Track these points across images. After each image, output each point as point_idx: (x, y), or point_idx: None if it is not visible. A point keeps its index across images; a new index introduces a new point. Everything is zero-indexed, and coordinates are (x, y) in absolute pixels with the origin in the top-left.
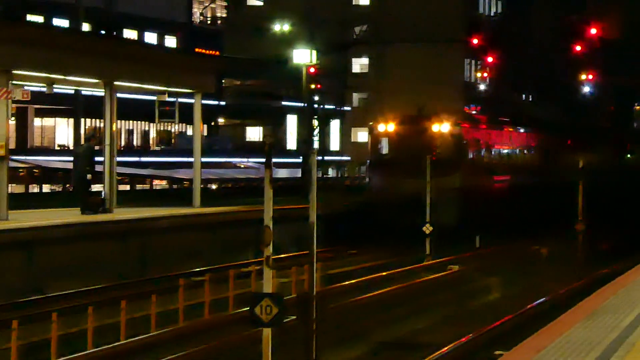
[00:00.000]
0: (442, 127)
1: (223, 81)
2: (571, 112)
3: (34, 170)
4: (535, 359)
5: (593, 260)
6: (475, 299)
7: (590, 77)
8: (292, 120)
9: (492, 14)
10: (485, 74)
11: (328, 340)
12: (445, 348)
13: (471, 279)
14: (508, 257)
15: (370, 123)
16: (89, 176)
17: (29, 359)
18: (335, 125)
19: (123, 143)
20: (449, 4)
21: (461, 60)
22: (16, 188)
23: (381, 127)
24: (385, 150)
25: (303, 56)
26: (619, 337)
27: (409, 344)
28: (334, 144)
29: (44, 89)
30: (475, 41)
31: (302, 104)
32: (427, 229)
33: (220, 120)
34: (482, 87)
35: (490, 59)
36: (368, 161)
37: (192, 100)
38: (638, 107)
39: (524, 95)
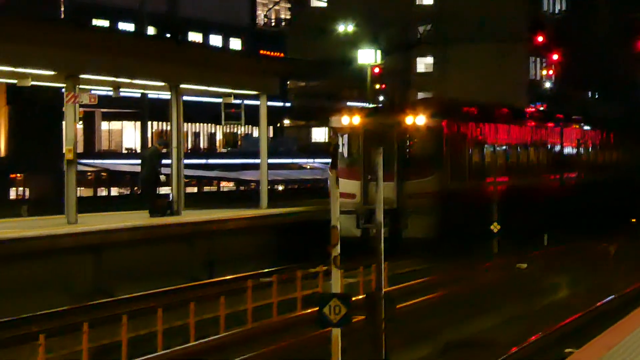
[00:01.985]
0: (417, 120)
1: (288, 83)
2: (637, 110)
3: (102, 173)
4: (606, 357)
5: None
6: (544, 297)
7: None
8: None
9: (556, 12)
10: (550, 72)
11: (396, 340)
12: (515, 347)
13: (539, 278)
14: (576, 255)
15: (331, 116)
16: (159, 178)
17: None
18: None
19: (190, 145)
20: (513, 2)
21: (526, 59)
22: (84, 192)
23: (345, 120)
24: (348, 148)
25: (367, 56)
26: None
27: (477, 343)
28: None
29: (111, 93)
30: (539, 39)
31: (367, 104)
32: (495, 227)
33: (286, 122)
34: (547, 84)
35: (555, 57)
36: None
37: (257, 102)
38: None
39: (589, 93)
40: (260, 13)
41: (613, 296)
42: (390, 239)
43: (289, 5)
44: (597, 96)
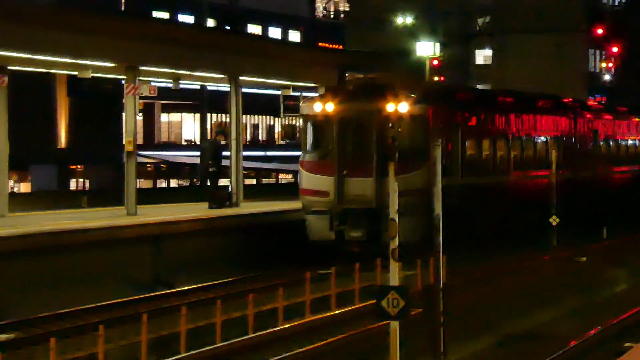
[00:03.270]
0: (399, 107)
1: (346, 75)
2: None
3: (162, 165)
4: None
5: None
6: (604, 290)
7: None
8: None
9: (616, 3)
10: (610, 64)
11: (454, 333)
12: (574, 340)
13: (599, 271)
14: (635, 249)
15: (302, 103)
16: (218, 170)
17: (159, 352)
18: None
19: (249, 137)
20: None
21: (585, 50)
22: (144, 183)
23: (317, 107)
24: (321, 138)
25: (426, 48)
26: None
27: (536, 335)
28: None
29: (170, 85)
30: (599, 31)
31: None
32: (554, 220)
33: None
34: (606, 77)
35: (614, 49)
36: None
37: (316, 94)
38: None
39: None
40: (319, 5)
41: None
42: (367, 243)
43: None
44: None
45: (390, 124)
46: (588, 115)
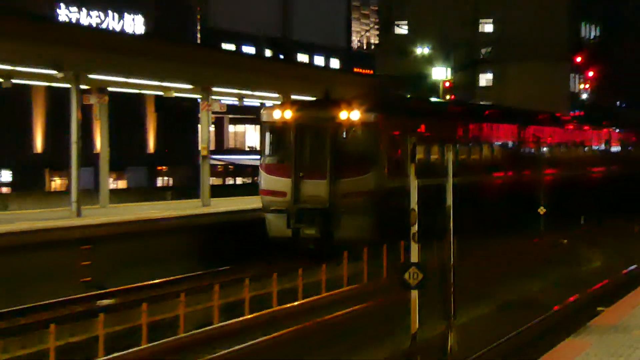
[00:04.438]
0: (351, 115)
1: None
2: None
3: (229, 166)
4: (630, 314)
5: None
6: (581, 266)
7: None
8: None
9: (591, 37)
10: (587, 86)
11: (462, 301)
12: (558, 305)
13: (578, 251)
14: (608, 234)
15: (262, 110)
16: None
17: (228, 316)
18: None
19: None
20: (557, 30)
21: (567, 75)
22: (215, 180)
23: (276, 114)
24: (280, 143)
25: (440, 73)
26: None
27: (527, 302)
28: None
29: (236, 102)
30: (578, 59)
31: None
32: (542, 210)
33: None
34: (584, 96)
35: (590, 74)
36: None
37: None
38: None
39: (617, 102)
40: (355, 38)
41: (635, 265)
42: (321, 240)
43: (377, 32)
44: (624, 105)
45: (345, 131)
46: (534, 124)
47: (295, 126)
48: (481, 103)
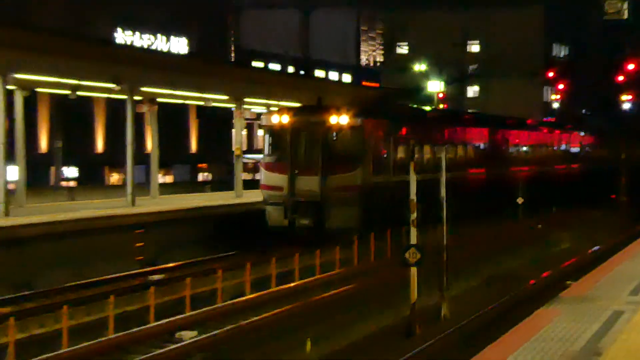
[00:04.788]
0: (340, 120)
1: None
2: (616, 122)
3: (257, 163)
4: (595, 287)
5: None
6: (554, 247)
7: (630, 97)
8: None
9: (561, 56)
10: (558, 96)
11: (454, 277)
12: (533, 280)
13: (550, 234)
14: (575, 220)
15: (262, 114)
16: None
17: (261, 288)
18: None
19: None
20: (533, 50)
21: (541, 87)
22: (246, 176)
23: (275, 119)
24: (277, 144)
25: (435, 86)
26: None
27: (508, 277)
28: None
29: (264, 110)
30: (550, 74)
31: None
32: (520, 200)
33: None
34: (555, 105)
35: (560, 86)
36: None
37: None
38: None
39: (583, 110)
40: (363, 57)
41: (599, 247)
42: (314, 229)
43: (382, 52)
44: (588, 113)
45: (335, 134)
46: (503, 127)
47: (291, 129)
48: (458, 110)
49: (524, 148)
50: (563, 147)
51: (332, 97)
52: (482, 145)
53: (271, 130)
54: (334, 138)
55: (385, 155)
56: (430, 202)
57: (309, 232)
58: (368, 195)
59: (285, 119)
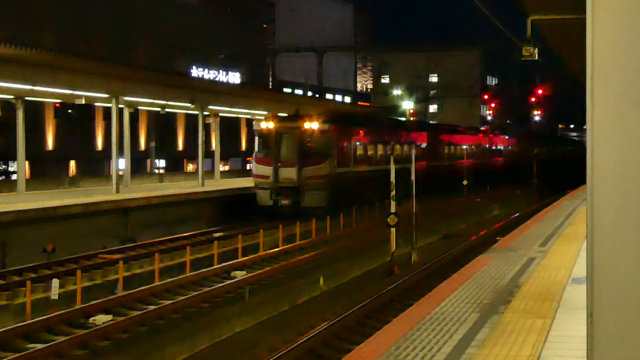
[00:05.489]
0: (312, 125)
1: None
2: (529, 129)
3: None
4: (516, 241)
5: (542, 196)
6: (488, 213)
7: (539, 112)
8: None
9: (493, 84)
10: (490, 112)
11: (420, 235)
12: (474, 236)
13: (485, 205)
14: (502, 196)
15: (254, 121)
16: None
17: (290, 242)
18: None
19: None
20: (473, 79)
21: (479, 105)
22: None
23: (263, 124)
24: (266, 144)
25: (407, 104)
26: (555, 230)
27: (459, 235)
28: None
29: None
30: (485, 97)
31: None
32: (465, 182)
33: None
34: (489, 118)
35: (492, 105)
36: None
37: None
38: (561, 126)
39: (508, 121)
40: (359, 84)
41: (518, 213)
42: (292, 207)
43: (372, 81)
44: (511, 122)
45: (309, 136)
46: (436, 131)
47: (275, 132)
48: (416, 120)
49: (464, 146)
50: (493, 146)
51: (318, 109)
52: (425, 144)
53: (261, 133)
54: (308, 139)
55: (347, 152)
56: (383, 185)
57: (288, 210)
58: (334, 182)
59: (271, 124)
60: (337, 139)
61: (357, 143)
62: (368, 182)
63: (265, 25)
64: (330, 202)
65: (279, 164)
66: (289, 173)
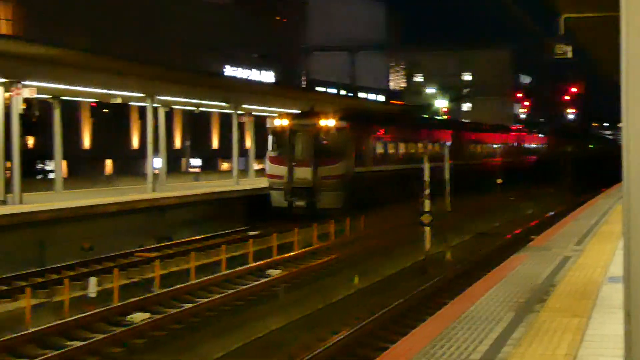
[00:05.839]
0: (328, 122)
1: None
2: (562, 128)
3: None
4: (551, 240)
5: (576, 195)
6: (522, 211)
7: (572, 110)
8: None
9: (526, 83)
10: (524, 110)
11: (454, 233)
12: (509, 235)
13: (520, 203)
14: (536, 194)
15: (268, 119)
16: None
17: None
18: None
19: None
20: (506, 78)
21: (512, 104)
22: None
23: (277, 122)
24: (279, 142)
25: (440, 103)
26: (590, 229)
27: (493, 233)
28: None
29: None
30: (519, 95)
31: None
32: (499, 180)
33: None
34: (522, 116)
35: (526, 103)
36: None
37: None
38: (594, 124)
39: (541, 119)
40: (392, 83)
41: (553, 212)
42: (307, 208)
43: (404, 80)
44: (544, 121)
45: (324, 133)
46: (463, 129)
47: (290, 130)
48: (448, 118)
49: (495, 145)
50: (527, 144)
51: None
52: (453, 143)
53: (274, 131)
54: (323, 137)
55: (365, 150)
56: (405, 185)
57: (303, 211)
58: (350, 182)
59: (285, 122)
60: (355, 136)
61: (377, 141)
62: (388, 182)
63: (277, 18)
64: (346, 204)
65: (294, 164)
66: (303, 173)
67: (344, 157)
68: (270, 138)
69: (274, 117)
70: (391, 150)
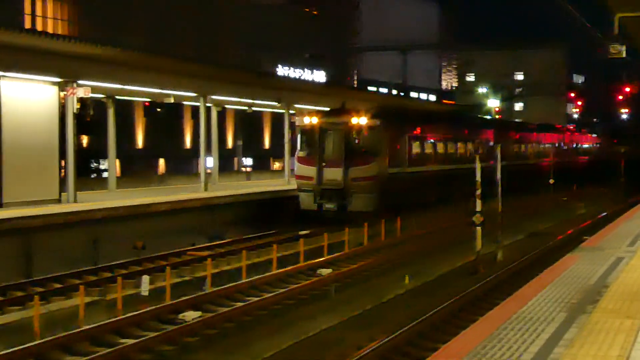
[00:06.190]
0: (360, 120)
1: None
2: (616, 128)
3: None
4: (604, 240)
5: (628, 195)
6: (574, 212)
7: (627, 110)
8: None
9: (580, 82)
10: (577, 110)
11: (505, 234)
12: (560, 235)
13: (572, 204)
14: (589, 194)
15: (297, 117)
16: None
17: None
18: None
19: None
20: (559, 77)
21: (565, 103)
22: None
23: (306, 120)
24: (308, 141)
25: (492, 103)
26: None
27: (544, 233)
28: None
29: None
30: (572, 95)
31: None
32: (551, 181)
33: None
34: (575, 116)
35: (579, 103)
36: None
37: None
38: None
39: (594, 119)
40: (444, 83)
41: (606, 212)
42: (338, 212)
43: (456, 79)
44: (597, 120)
45: (356, 132)
46: (506, 127)
47: (320, 129)
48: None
49: (547, 144)
50: (580, 144)
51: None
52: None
53: (303, 130)
54: (355, 136)
55: (400, 150)
56: (444, 187)
57: (334, 214)
58: (384, 183)
59: (315, 120)
60: (389, 136)
61: (414, 141)
62: (425, 184)
63: (306, 9)
64: (379, 207)
65: (323, 164)
66: (333, 174)
67: (376, 157)
68: (299, 137)
69: (302, 115)
70: (428, 150)
